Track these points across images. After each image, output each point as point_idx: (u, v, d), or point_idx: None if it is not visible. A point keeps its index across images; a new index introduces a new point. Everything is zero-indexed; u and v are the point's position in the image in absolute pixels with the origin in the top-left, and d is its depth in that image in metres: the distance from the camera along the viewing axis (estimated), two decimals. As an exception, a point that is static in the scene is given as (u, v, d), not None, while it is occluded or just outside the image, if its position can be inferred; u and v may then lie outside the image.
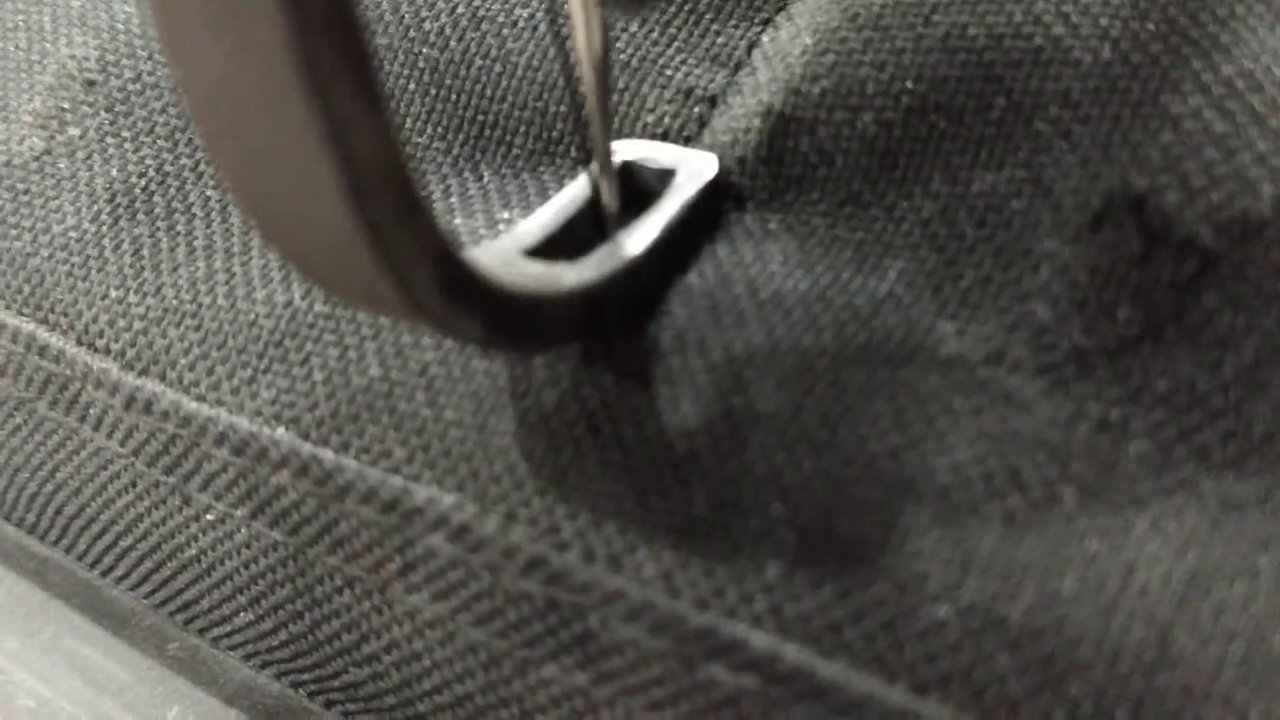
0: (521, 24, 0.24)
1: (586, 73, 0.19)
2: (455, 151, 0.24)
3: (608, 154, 0.20)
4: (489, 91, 0.24)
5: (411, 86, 0.24)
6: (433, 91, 0.24)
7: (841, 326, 0.19)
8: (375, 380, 0.21)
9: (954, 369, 0.19)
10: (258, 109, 0.14)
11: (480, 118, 0.24)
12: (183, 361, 0.23)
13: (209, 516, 0.23)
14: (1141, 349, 0.18)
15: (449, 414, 0.20)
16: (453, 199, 0.23)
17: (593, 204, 0.21)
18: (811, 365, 0.19)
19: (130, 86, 0.26)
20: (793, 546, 0.17)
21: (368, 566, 0.21)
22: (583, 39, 0.19)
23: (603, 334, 0.20)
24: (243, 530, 0.22)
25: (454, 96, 0.24)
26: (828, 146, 0.21)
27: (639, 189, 0.21)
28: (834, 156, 0.21)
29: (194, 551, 0.24)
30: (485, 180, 0.23)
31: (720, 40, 0.23)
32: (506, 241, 0.20)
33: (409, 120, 0.24)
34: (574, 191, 0.21)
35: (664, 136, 0.23)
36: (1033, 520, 0.17)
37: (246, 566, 0.23)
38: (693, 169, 0.21)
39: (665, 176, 0.21)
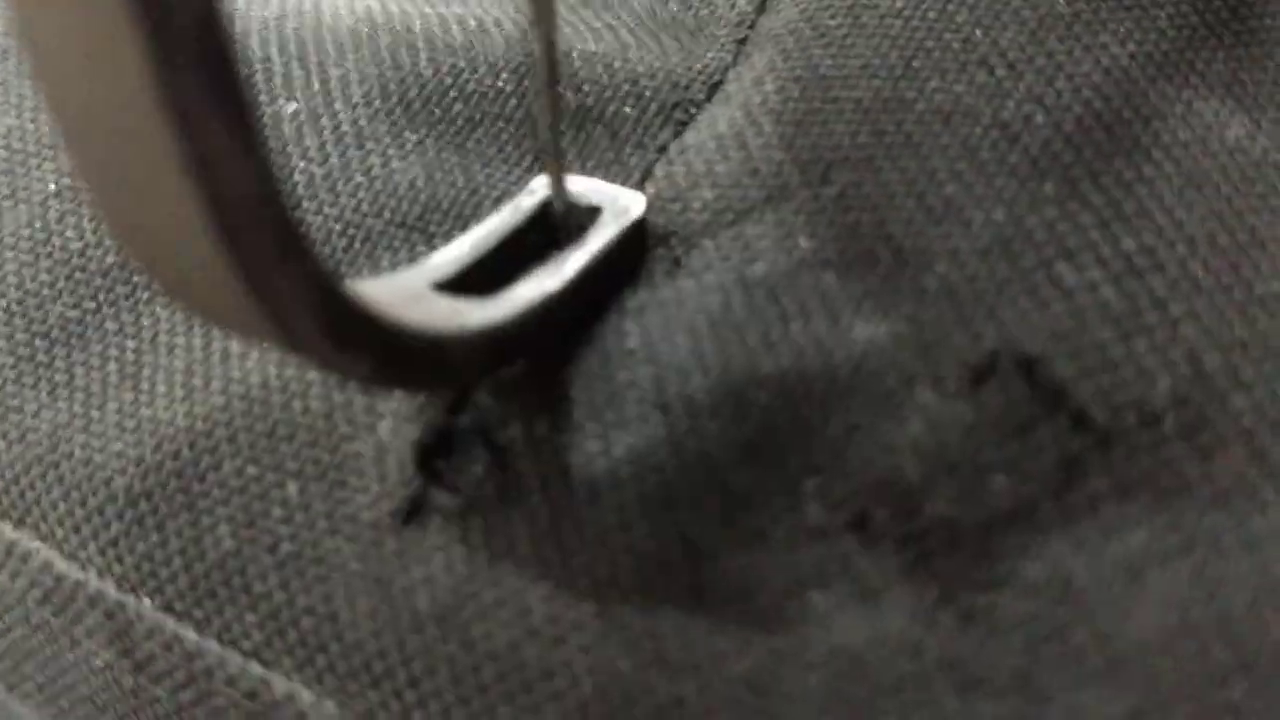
0: (410, 146, 0.22)
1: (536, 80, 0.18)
2: None
3: (560, 179, 0.20)
4: (364, 207, 0.22)
5: None
6: (305, 204, 0.23)
7: (696, 497, 0.18)
8: (229, 555, 0.20)
9: (815, 545, 0.17)
10: (124, 141, 0.13)
11: (351, 232, 0.22)
12: (52, 516, 0.22)
13: (97, 662, 0.22)
14: (1015, 526, 0.17)
15: (302, 599, 0.19)
16: None
17: (512, 237, 0.20)
18: (668, 559, 0.18)
19: (4, 203, 0.25)
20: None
21: (245, 740, 0.20)
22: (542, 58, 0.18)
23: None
24: (128, 680, 0.22)
25: (325, 210, 0.23)
26: (713, 291, 0.20)
27: (562, 225, 0.20)
28: (718, 298, 0.20)
29: (87, 690, 0.23)
30: None
31: (614, 171, 0.21)
32: (414, 274, 0.19)
33: None
34: (492, 225, 0.20)
35: None
36: None
37: (136, 713, 0.22)
38: (619, 206, 0.20)
39: (591, 214, 0.20)
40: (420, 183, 0.22)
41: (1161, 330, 0.17)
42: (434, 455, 0.19)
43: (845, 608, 0.17)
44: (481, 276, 0.19)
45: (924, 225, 0.18)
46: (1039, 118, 0.19)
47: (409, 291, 0.18)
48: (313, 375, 0.20)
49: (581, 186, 0.20)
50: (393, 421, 0.19)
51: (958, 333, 0.18)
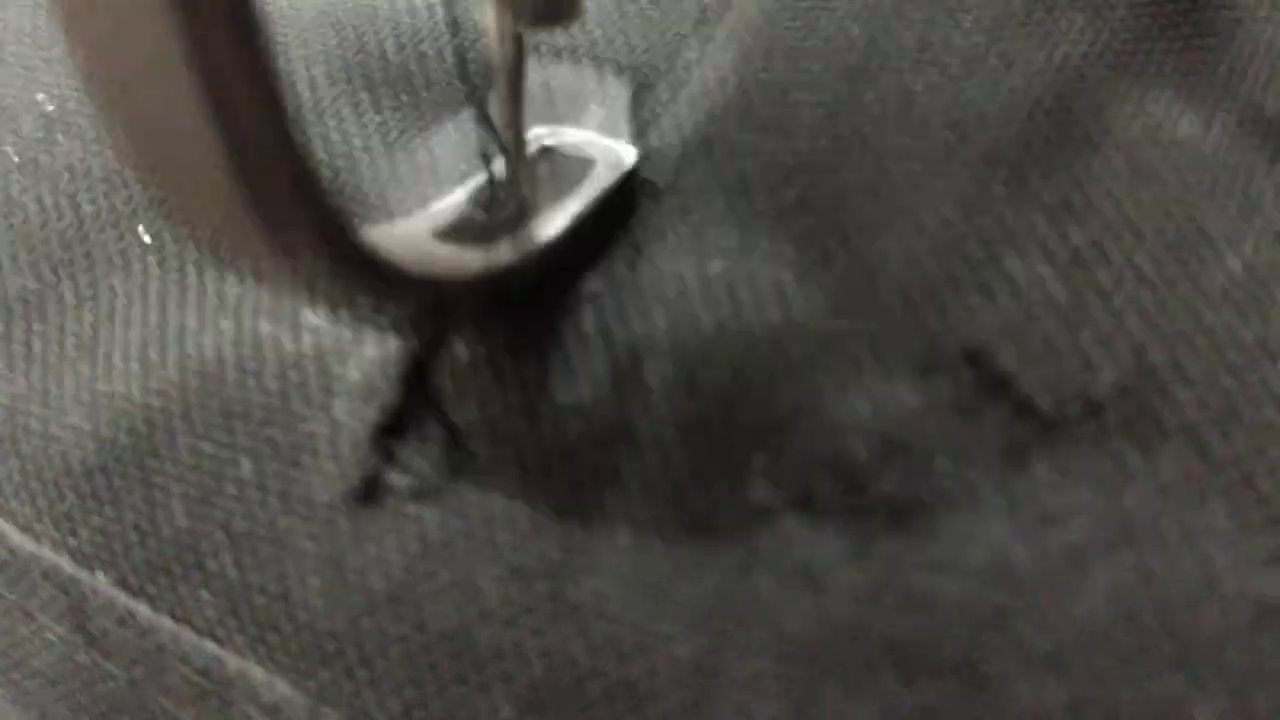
0: (372, 128, 0.23)
1: (499, 81, 0.19)
2: None
3: (521, 148, 0.20)
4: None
5: None
6: None
7: (648, 481, 0.18)
8: (182, 532, 0.20)
9: (761, 526, 0.17)
10: (145, 72, 0.13)
11: None
12: (8, 489, 0.22)
13: (50, 637, 0.22)
14: (958, 510, 0.17)
15: (255, 578, 0.19)
16: None
17: (507, 189, 0.20)
18: (619, 543, 0.18)
19: None
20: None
21: (196, 716, 0.20)
22: (496, 46, 0.18)
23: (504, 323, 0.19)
24: (81, 655, 0.22)
25: None
26: (671, 280, 0.20)
27: (558, 175, 0.21)
28: (675, 287, 0.20)
29: (41, 665, 0.23)
30: None
31: None
32: (415, 222, 0.19)
33: None
34: (489, 177, 0.20)
35: None
36: None
37: (88, 688, 0.22)
38: (613, 158, 0.21)
39: (585, 165, 0.21)
40: (381, 163, 0.22)
41: (1106, 322, 0.17)
42: (388, 436, 0.19)
43: (790, 589, 0.17)
44: (477, 225, 0.19)
45: (879, 228, 0.19)
46: (991, 114, 0.19)
47: (411, 239, 0.19)
48: (268, 354, 0.20)
49: (577, 138, 0.21)
50: (347, 401, 0.19)
51: (908, 323, 0.18)
